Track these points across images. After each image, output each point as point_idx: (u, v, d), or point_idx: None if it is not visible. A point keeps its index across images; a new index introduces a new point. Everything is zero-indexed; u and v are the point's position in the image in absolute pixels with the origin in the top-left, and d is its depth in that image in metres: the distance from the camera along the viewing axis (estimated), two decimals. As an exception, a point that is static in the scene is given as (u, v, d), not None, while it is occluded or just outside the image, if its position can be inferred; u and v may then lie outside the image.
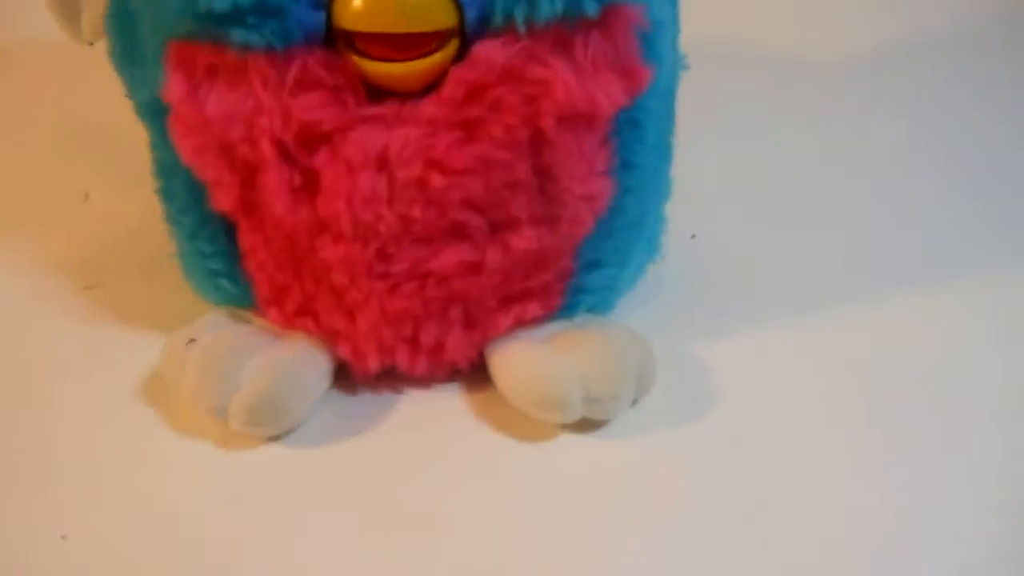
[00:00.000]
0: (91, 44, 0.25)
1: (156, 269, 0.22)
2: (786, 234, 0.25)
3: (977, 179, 0.28)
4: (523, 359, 0.17)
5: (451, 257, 0.17)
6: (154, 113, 0.17)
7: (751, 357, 0.21)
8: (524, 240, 0.17)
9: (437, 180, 0.16)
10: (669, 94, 0.19)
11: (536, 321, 0.18)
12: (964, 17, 0.38)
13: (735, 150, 0.28)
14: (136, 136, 0.21)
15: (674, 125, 0.20)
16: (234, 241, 0.18)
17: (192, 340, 0.18)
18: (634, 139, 0.18)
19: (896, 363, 0.21)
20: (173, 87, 0.16)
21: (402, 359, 0.18)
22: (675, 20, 0.19)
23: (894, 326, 0.22)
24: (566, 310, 0.19)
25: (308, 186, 0.16)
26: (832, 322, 0.22)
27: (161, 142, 0.17)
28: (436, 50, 0.16)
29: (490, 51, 0.15)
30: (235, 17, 0.15)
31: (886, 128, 0.31)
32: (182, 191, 0.18)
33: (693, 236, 0.24)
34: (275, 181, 0.16)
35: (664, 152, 0.20)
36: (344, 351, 0.18)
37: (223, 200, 0.17)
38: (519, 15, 0.15)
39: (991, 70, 0.34)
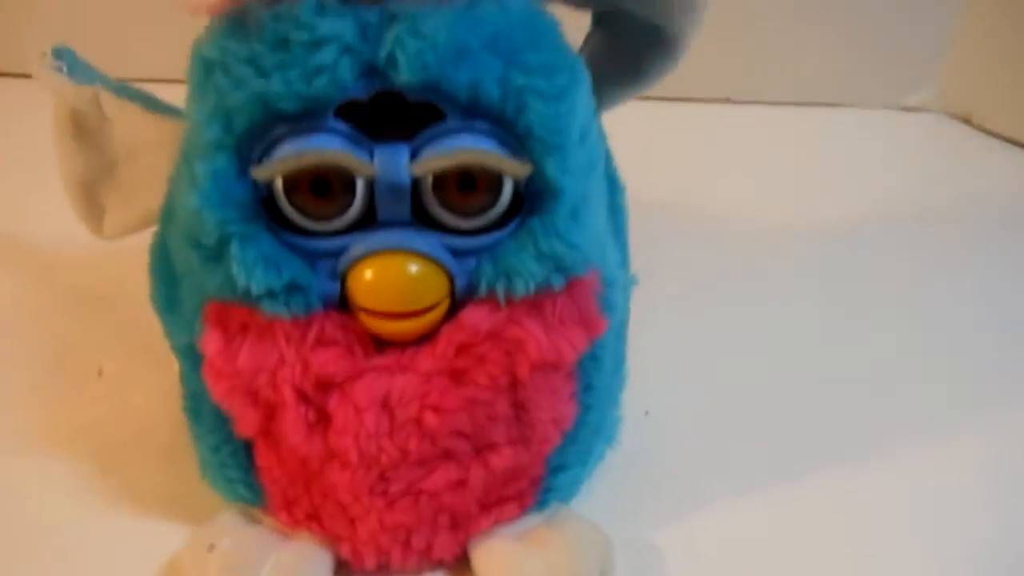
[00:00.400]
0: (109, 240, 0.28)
1: (172, 455, 0.24)
2: (740, 409, 0.28)
3: (945, 352, 0.30)
4: (500, 566, 0.20)
5: (441, 477, 0.20)
6: (188, 355, 0.20)
7: (705, 540, 0.23)
8: (503, 459, 0.20)
9: (431, 419, 0.19)
10: (621, 326, 0.23)
11: (512, 519, 0.21)
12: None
13: (684, 323, 0.32)
14: (149, 305, 0.23)
15: (626, 341, 0.24)
16: (251, 456, 0.21)
17: (212, 546, 0.20)
18: (593, 368, 0.21)
19: (863, 543, 0.23)
20: (210, 341, 0.19)
21: (396, 559, 0.21)
22: (624, 265, 0.22)
23: (859, 505, 0.24)
24: (537, 506, 0.22)
25: (321, 422, 0.19)
26: (786, 500, 0.24)
27: (193, 377, 0.20)
28: (430, 311, 0.19)
29: (476, 317, 0.19)
30: (267, 294, 0.18)
31: (840, 301, 0.33)
32: (208, 416, 0.21)
33: (646, 413, 0.28)
34: (292, 418, 0.19)
35: (619, 363, 0.23)
36: (345, 552, 0.21)
37: (245, 429, 0.20)
38: (500, 290, 0.19)
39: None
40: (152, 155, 0.25)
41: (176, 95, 0.26)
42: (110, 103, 0.25)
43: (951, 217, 0.40)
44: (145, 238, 0.26)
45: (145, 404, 0.27)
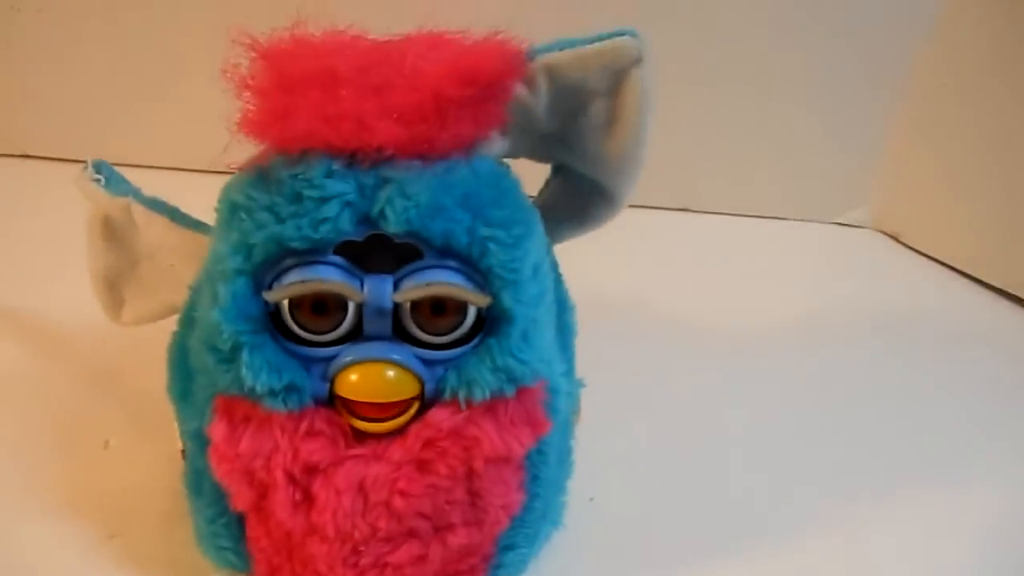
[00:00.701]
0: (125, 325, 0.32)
1: (171, 522, 0.27)
2: (679, 497, 0.31)
3: (863, 449, 0.34)
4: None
5: (405, 553, 0.23)
6: (197, 438, 0.24)
7: None
8: (458, 538, 0.24)
9: (398, 502, 0.23)
10: (566, 424, 0.27)
11: (464, 591, 0.25)
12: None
13: (629, 417, 0.35)
14: (155, 382, 0.27)
15: (572, 436, 0.28)
16: (242, 528, 0.24)
17: (204, 607, 0.23)
18: (540, 462, 0.25)
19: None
20: (217, 429, 0.23)
21: (363, 623, 0.24)
22: (570, 374, 0.27)
23: None
24: (488, 581, 0.25)
25: (305, 501, 0.23)
26: None
27: (198, 457, 0.24)
28: (403, 413, 0.23)
29: (440, 417, 0.23)
30: (269, 393, 0.22)
31: (772, 398, 0.37)
32: (208, 491, 0.24)
33: (591, 500, 0.31)
34: (281, 497, 0.23)
35: (564, 456, 0.27)
36: (319, 616, 0.24)
37: (240, 504, 0.23)
38: (461, 396, 0.23)
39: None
40: (171, 257, 0.29)
41: (157, 179, 0.30)
42: (140, 213, 0.29)
43: (874, 325, 0.45)
44: (153, 326, 0.30)
45: (146, 475, 0.30)
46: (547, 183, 0.28)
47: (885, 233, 0.53)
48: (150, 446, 0.31)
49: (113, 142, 0.52)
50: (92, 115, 0.54)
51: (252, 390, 0.22)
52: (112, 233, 0.30)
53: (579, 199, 0.27)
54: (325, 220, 0.21)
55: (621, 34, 0.23)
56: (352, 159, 0.22)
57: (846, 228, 0.54)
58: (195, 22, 0.50)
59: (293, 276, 0.22)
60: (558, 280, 0.27)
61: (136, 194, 0.29)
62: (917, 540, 0.30)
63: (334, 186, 0.21)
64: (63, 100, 0.55)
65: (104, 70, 0.53)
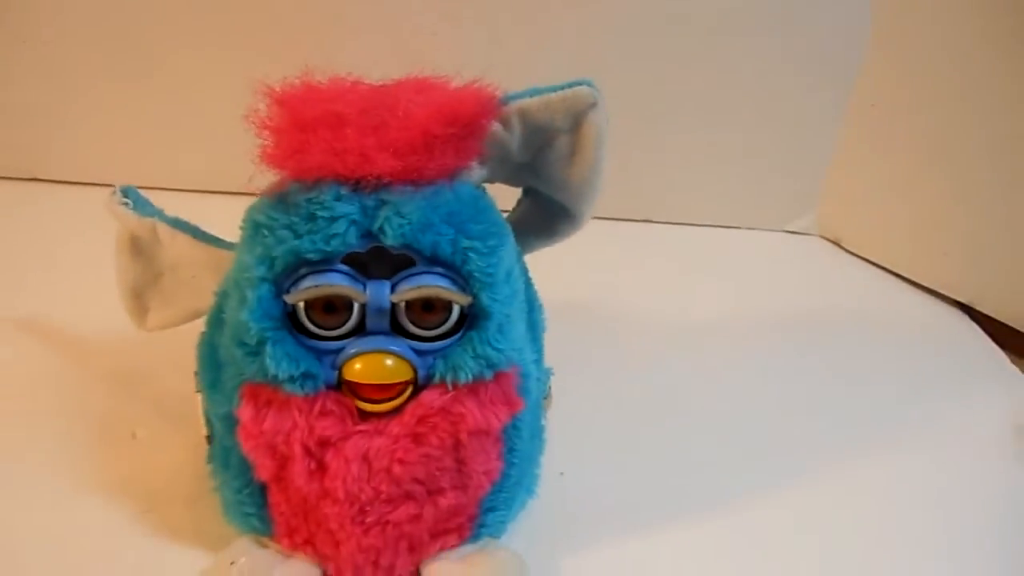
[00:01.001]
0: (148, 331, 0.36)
1: (196, 500, 0.31)
2: (639, 471, 0.35)
3: (805, 432, 0.38)
4: (446, 580, 0.28)
5: (403, 512, 0.28)
6: (226, 420, 0.28)
7: (606, 567, 0.30)
8: (447, 500, 0.28)
9: (397, 469, 0.27)
10: (537, 405, 0.31)
11: (453, 547, 0.29)
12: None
13: (597, 404, 0.40)
14: (176, 381, 0.31)
15: (544, 416, 0.32)
16: (265, 496, 0.28)
17: (233, 563, 0.27)
18: (515, 436, 0.29)
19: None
20: (244, 411, 0.27)
21: (368, 575, 0.28)
22: (539, 362, 0.31)
23: (744, 555, 0.30)
24: (473, 538, 0.30)
25: (319, 470, 0.27)
26: (677, 544, 0.31)
27: (227, 437, 0.28)
28: (400, 395, 0.27)
29: (431, 397, 0.27)
30: (288, 379, 0.26)
31: (722, 386, 0.42)
32: (235, 465, 0.28)
33: (561, 474, 0.36)
34: (299, 467, 0.27)
35: (536, 432, 0.32)
36: (331, 569, 0.28)
37: (263, 474, 0.28)
38: (448, 380, 0.27)
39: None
40: (193, 269, 0.34)
41: (183, 202, 0.34)
42: (165, 232, 0.33)
43: (817, 321, 0.50)
44: (173, 331, 0.35)
45: (171, 461, 0.34)
46: (519, 203, 0.33)
47: (828, 239, 0.59)
48: (172, 436, 0.35)
49: (112, 166, 0.56)
50: (93, 140, 0.58)
51: (274, 377, 0.26)
52: (138, 249, 0.34)
53: (546, 217, 0.32)
54: (335, 235, 0.26)
55: (580, 83, 0.28)
56: (356, 185, 0.26)
57: (794, 235, 0.59)
58: (196, 59, 0.54)
59: (308, 282, 0.26)
60: (528, 283, 0.32)
61: (160, 215, 0.34)
62: (859, 503, 0.35)
63: (342, 208, 0.26)
64: (68, 126, 0.59)
65: (107, 97, 0.57)
